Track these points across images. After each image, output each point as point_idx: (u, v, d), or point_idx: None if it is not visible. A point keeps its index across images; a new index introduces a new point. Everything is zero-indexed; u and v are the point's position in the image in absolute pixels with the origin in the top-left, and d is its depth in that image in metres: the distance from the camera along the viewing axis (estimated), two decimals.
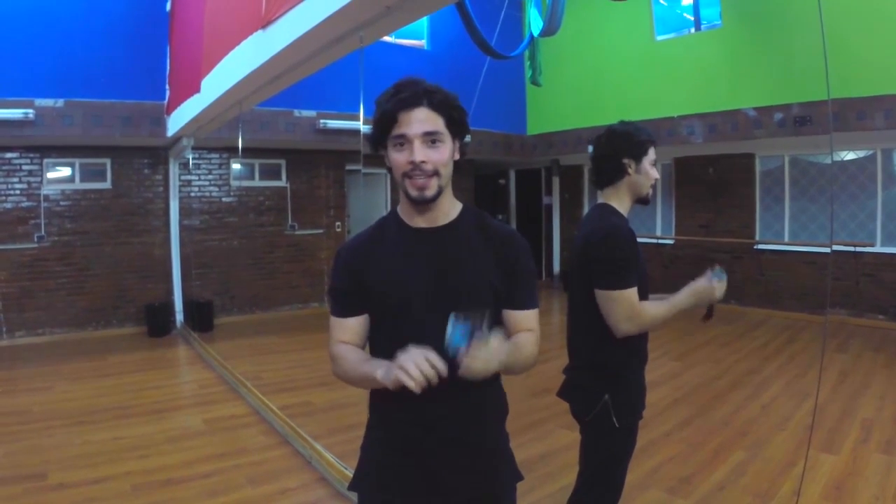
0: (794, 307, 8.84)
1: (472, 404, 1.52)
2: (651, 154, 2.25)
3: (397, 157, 1.47)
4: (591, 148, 2.37)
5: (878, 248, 8.08)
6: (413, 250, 1.53)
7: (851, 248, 8.10)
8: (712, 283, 2.14)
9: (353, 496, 1.68)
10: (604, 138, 2.28)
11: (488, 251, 1.55)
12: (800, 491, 3.28)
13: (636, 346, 2.20)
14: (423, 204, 1.49)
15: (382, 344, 1.53)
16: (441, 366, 1.28)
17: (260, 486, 3.73)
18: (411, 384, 1.27)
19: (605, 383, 2.15)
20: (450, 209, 1.57)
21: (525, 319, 1.57)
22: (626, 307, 2.05)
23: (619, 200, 2.26)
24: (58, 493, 3.60)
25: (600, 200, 2.32)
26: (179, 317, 8.70)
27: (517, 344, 1.50)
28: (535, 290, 1.63)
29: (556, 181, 12.47)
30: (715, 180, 9.78)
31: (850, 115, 7.02)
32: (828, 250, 8.39)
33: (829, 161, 8.57)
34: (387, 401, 1.53)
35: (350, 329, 1.56)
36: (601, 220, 2.20)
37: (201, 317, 8.51)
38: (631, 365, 2.21)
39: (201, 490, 3.68)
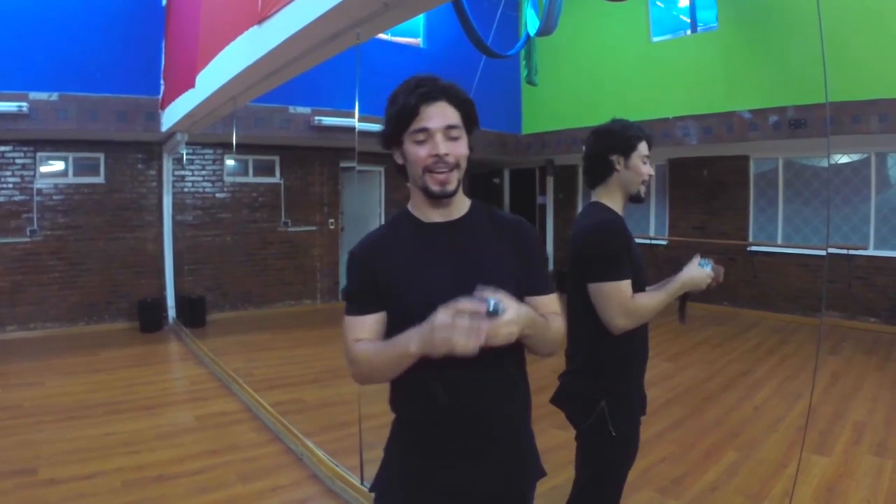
0: (787, 309, 8.86)
1: (498, 392, 1.51)
2: (641, 150, 2.20)
3: (418, 151, 1.46)
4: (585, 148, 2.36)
5: (870, 252, 8.12)
6: (430, 245, 1.52)
7: (844, 251, 8.13)
8: (703, 270, 2.16)
9: (345, 492, 1.66)
10: (593, 136, 2.26)
11: (503, 241, 1.55)
12: (793, 493, 3.28)
13: (634, 347, 2.16)
14: (444, 198, 1.49)
15: None
16: (477, 310, 1.24)
17: (251, 483, 3.72)
18: (467, 350, 1.23)
19: (602, 390, 2.09)
20: (461, 203, 1.57)
21: (549, 303, 1.58)
22: (620, 301, 2.01)
23: (610, 198, 2.24)
24: (48, 489, 3.58)
25: (593, 199, 2.30)
26: (172, 312, 8.66)
27: (547, 319, 1.49)
28: (549, 275, 1.65)
29: (550, 181, 12.49)
30: (709, 182, 9.80)
31: (845, 118, 7.05)
32: (821, 253, 8.41)
33: (823, 164, 8.60)
34: (409, 400, 1.52)
35: (367, 327, 1.51)
36: (591, 216, 2.19)
37: (194, 313, 8.48)
38: (628, 369, 2.16)
39: (192, 486, 3.66)
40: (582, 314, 2.12)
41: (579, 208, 11.90)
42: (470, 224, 1.56)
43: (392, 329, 1.50)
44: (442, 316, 1.25)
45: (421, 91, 1.45)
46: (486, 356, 1.32)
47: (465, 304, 1.25)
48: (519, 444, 1.57)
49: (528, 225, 1.64)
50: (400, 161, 1.53)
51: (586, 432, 2.15)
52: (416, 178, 1.50)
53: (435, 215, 1.54)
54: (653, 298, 2.07)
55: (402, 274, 1.49)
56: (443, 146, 1.44)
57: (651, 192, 10.21)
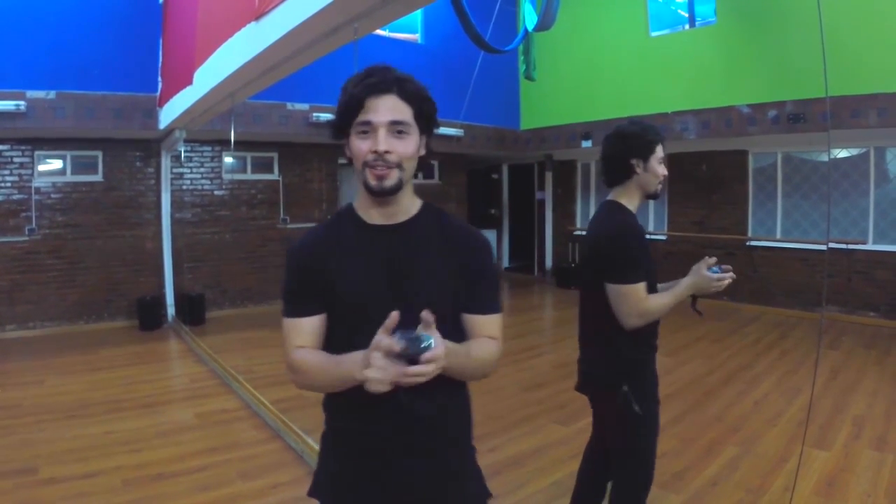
0: (787, 304, 8.86)
1: (433, 417, 1.43)
2: (658, 152, 2.31)
3: (360, 145, 1.38)
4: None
5: (870, 246, 8.12)
6: (368, 250, 1.45)
7: (844, 246, 8.13)
8: (707, 276, 2.23)
9: None
10: (612, 139, 2.36)
11: (447, 253, 1.47)
12: (794, 487, 3.29)
13: (647, 337, 2.31)
14: (382, 195, 1.41)
15: (336, 347, 1.44)
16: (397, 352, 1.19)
17: (251, 481, 3.72)
18: (381, 388, 1.22)
19: (623, 375, 2.25)
20: (409, 206, 1.49)
21: (485, 325, 1.49)
22: (634, 301, 2.16)
23: (628, 198, 2.35)
24: (49, 488, 3.57)
25: (609, 197, 2.40)
26: (171, 310, 8.64)
27: (469, 349, 1.43)
28: (497, 294, 1.54)
29: (549, 176, 12.46)
30: (708, 177, 9.80)
31: (844, 112, 7.03)
32: (820, 247, 8.41)
33: (822, 158, 8.59)
34: (341, 410, 1.48)
35: (307, 332, 1.46)
36: (611, 217, 2.31)
37: (193, 310, 8.48)
38: (644, 356, 2.32)
39: (192, 484, 3.66)
40: (600, 308, 2.26)
41: (579, 203, 11.94)
42: (414, 230, 1.48)
43: (329, 331, 1.48)
44: (368, 361, 1.22)
45: (369, 82, 1.38)
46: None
47: (390, 342, 1.20)
48: (454, 471, 1.51)
49: (482, 238, 1.54)
50: (349, 154, 1.45)
51: (613, 415, 2.30)
52: (357, 172, 1.42)
53: (378, 216, 1.47)
54: (663, 299, 2.21)
55: (339, 279, 1.43)
56: (384, 143, 1.36)
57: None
